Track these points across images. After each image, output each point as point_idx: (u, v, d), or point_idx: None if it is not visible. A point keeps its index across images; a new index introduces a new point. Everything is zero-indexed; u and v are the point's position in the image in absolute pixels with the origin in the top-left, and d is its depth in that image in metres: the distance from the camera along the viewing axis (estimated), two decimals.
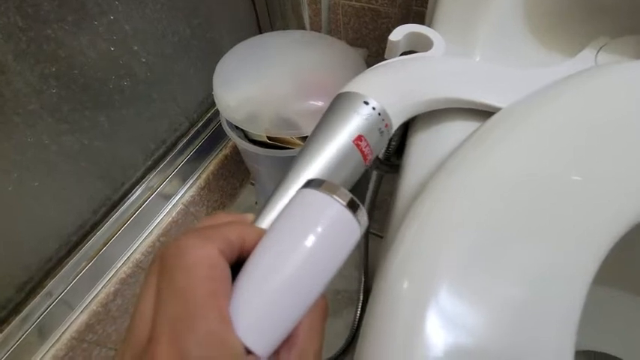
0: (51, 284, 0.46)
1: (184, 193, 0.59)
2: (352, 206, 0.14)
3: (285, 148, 0.44)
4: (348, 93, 0.21)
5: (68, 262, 0.47)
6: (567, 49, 0.27)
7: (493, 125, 0.20)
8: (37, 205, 0.42)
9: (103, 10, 0.41)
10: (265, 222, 0.17)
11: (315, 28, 0.68)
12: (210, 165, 0.63)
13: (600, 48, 0.26)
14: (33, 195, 0.41)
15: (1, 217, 0.39)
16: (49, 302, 0.46)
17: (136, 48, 0.46)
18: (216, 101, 0.45)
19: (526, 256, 0.17)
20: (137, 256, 0.53)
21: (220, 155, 0.64)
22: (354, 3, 0.61)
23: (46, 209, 0.43)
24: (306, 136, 0.41)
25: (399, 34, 0.27)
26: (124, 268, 0.52)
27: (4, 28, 0.33)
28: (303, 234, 0.13)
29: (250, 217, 0.16)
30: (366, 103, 0.21)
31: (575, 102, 0.20)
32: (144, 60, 0.47)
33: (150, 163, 0.54)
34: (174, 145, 0.57)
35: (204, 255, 0.12)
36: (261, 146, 0.45)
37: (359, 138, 0.20)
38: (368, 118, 0.20)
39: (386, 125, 0.21)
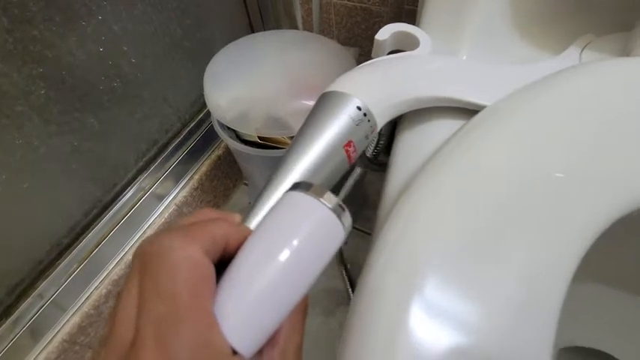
0: (42, 286, 0.45)
1: (177, 194, 0.59)
2: (338, 210, 0.14)
3: (276, 148, 0.44)
4: (335, 92, 0.21)
5: (60, 263, 0.47)
6: (553, 47, 0.28)
7: (477, 123, 0.20)
8: (27, 207, 0.42)
9: (91, 10, 0.40)
10: (253, 222, 0.17)
11: (308, 27, 0.68)
12: (203, 166, 0.63)
13: (585, 46, 0.26)
14: (23, 197, 0.41)
15: None
16: (40, 304, 0.46)
17: (125, 48, 0.46)
18: (206, 102, 0.45)
19: (508, 252, 0.17)
20: (129, 257, 0.53)
21: (213, 156, 0.64)
22: (345, 2, 0.61)
23: (36, 211, 0.43)
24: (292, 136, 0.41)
25: (385, 33, 0.27)
26: (116, 270, 0.52)
27: None
28: (289, 236, 0.13)
29: (237, 216, 0.16)
30: (359, 108, 0.20)
31: (558, 100, 0.20)
32: (134, 60, 0.47)
33: (142, 164, 0.54)
34: (166, 145, 0.56)
35: (188, 255, 0.12)
36: (253, 146, 0.45)
37: (349, 144, 0.20)
38: (359, 124, 0.20)
39: (371, 127, 0.21)
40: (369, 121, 0.21)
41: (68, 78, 0.41)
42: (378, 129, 0.22)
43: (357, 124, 0.20)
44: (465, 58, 0.27)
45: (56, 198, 0.45)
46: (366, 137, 0.21)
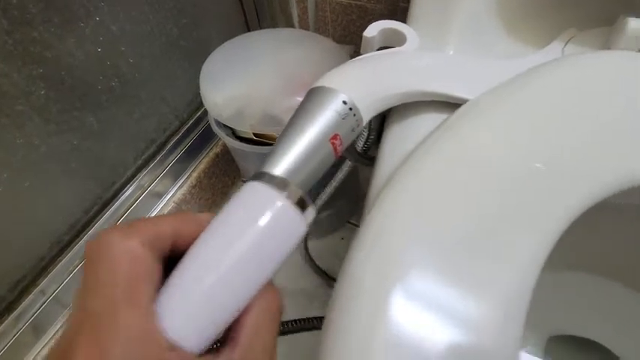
0: (44, 283, 0.46)
1: (176, 192, 0.60)
2: (300, 204, 0.13)
3: (271, 145, 0.45)
4: (322, 87, 0.22)
5: (61, 260, 0.48)
6: (539, 41, 0.28)
7: (460, 116, 0.21)
8: (28, 205, 0.43)
9: (89, 11, 0.41)
10: None
11: (304, 26, 0.68)
12: (201, 163, 0.64)
13: (568, 40, 0.27)
14: (24, 195, 0.42)
15: None
16: (42, 300, 0.47)
17: (123, 49, 0.47)
18: (203, 100, 0.46)
19: (489, 243, 0.17)
20: None
21: (211, 154, 0.65)
22: (341, 0, 0.62)
23: (37, 209, 0.44)
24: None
25: (373, 30, 0.28)
26: None
27: None
28: (242, 228, 0.13)
29: (207, 216, 0.15)
30: (345, 102, 0.21)
31: (538, 92, 0.21)
32: (131, 60, 0.48)
33: (140, 162, 0.54)
34: (164, 144, 0.57)
35: (127, 249, 0.12)
36: (249, 143, 0.45)
37: (335, 137, 0.21)
38: (345, 117, 0.21)
39: (357, 121, 0.22)
40: (354, 115, 0.21)
41: (67, 78, 0.41)
42: (365, 122, 0.23)
43: (342, 117, 0.21)
44: (451, 53, 0.28)
45: (56, 196, 0.45)
46: (352, 130, 0.22)
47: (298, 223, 0.13)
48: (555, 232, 0.17)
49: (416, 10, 0.29)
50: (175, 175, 0.60)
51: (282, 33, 0.53)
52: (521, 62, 0.25)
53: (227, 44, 0.50)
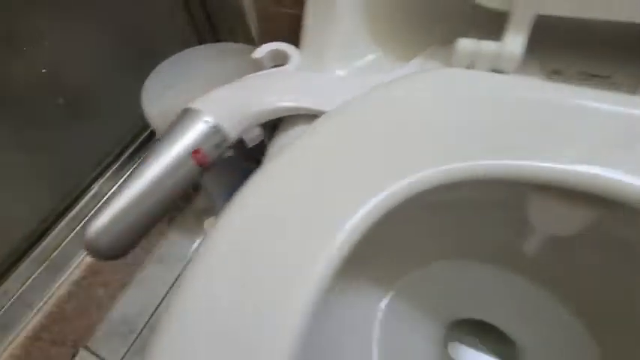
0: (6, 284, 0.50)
1: None
2: None
3: None
4: (189, 109, 0.25)
5: (20, 265, 0.51)
6: (409, 57, 0.31)
7: (311, 128, 0.24)
8: None
9: (33, 37, 0.45)
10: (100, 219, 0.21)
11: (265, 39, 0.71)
12: None
13: (430, 55, 0.30)
14: None
15: None
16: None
17: (69, 68, 0.50)
18: (144, 114, 0.49)
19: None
20: (89, 259, 0.57)
21: None
22: (287, 10, 0.65)
23: None
24: None
25: (261, 51, 0.31)
26: (76, 272, 0.56)
27: None
28: None
29: None
30: (207, 122, 0.25)
31: (368, 106, 0.24)
32: (79, 79, 0.51)
33: (95, 174, 0.58)
34: (119, 155, 0.61)
35: None
36: None
37: (197, 151, 0.24)
38: (207, 135, 0.24)
39: (223, 138, 0.25)
40: (218, 131, 0.25)
41: (17, 97, 0.45)
42: (232, 137, 0.26)
43: (205, 135, 0.24)
44: (335, 71, 0.31)
45: (10, 208, 0.49)
46: (217, 146, 0.25)
47: None
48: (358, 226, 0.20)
49: (304, 32, 0.33)
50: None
51: (227, 47, 0.57)
52: (381, 77, 0.28)
53: (172, 59, 0.53)
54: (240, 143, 0.32)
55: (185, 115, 0.25)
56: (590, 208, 0.22)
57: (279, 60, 0.32)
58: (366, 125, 0.23)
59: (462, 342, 0.39)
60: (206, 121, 0.24)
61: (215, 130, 0.25)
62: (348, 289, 0.33)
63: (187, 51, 0.55)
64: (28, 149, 0.48)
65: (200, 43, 0.71)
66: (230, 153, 0.27)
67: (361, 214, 0.19)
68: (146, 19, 0.58)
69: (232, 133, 0.26)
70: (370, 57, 0.32)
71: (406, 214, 0.23)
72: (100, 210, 0.22)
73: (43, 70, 0.47)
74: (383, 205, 0.20)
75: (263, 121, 0.27)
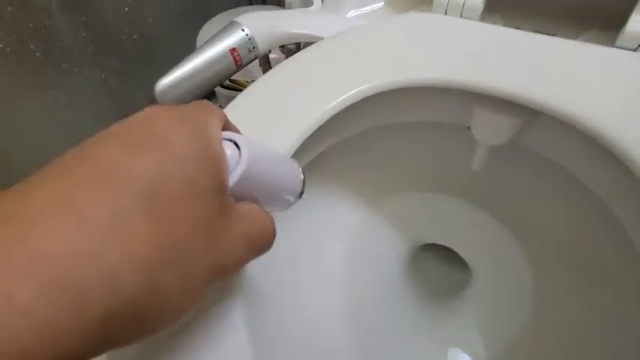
0: None
1: None
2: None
3: (241, 89, 0.58)
4: (235, 21, 0.35)
5: None
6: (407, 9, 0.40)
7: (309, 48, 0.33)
8: (64, 118, 0.59)
9: None
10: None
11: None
12: None
13: (422, 9, 0.38)
14: (63, 109, 0.58)
15: None
16: None
17: (145, 10, 0.62)
18: None
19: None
20: None
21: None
22: None
23: (69, 123, 0.60)
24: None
25: None
26: None
27: None
28: None
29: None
30: (243, 30, 0.34)
31: (347, 37, 0.32)
32: (150, 20, 0.63)
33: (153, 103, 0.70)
34: None
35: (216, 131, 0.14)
36: (226, 89, 0.59)
37: (234, 50, 0.34)
38: (242, 40, 0.34)
39: (253, 46, 0.35)
40: (250, 39, 0.34)
41: (101, 26, 0.57)
42: (261, 49, 0.35)
43: (241, 39, 0.34)
44: (346, 13, 0.40)
45: (85, 115, 0.62)
46: (249, 51, 0.35)
47: None
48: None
49: None
50: None
51: (271, 9, 0.67)
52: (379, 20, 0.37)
53: (223, 14, 0.64)
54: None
55: (231, 24, 0.35)
56: (517, 116, 0.29)
57: (305, 4, 0.41)
58: (349, 46, 0.32)
59: (423, 260, 0.47)
60: (243, 30, 0.34)
61: (249, 38, 0.34)
62: (327, 198, 0.41)
63: (237, 9, 0.65)
64: (106, 70, 0.61)
65: (250, 4, 0.82)
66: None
67: (333, 104, 0.28)
68: None
69: (261, 45, 0.35)
70: (376, 6, 0.40)
71: (373, 134, 0.31)
72: (164, 77, 0.32)
73: (126, 9, 0.59)
74: (348, 99, 0.28)
75: (284, 42, 0.37)
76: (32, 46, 0.51)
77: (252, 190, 0.14)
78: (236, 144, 0.14)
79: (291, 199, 0.17)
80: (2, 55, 0.49)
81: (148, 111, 0.13)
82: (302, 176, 0.18)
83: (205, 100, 0.16)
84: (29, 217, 0.09)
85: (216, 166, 0.12)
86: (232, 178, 0.13)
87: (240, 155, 0.14)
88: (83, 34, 0.56)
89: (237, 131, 0.16)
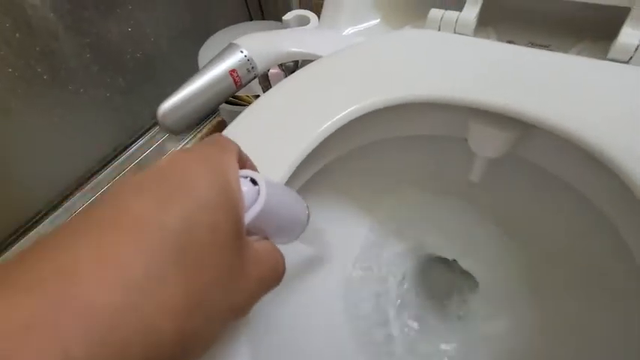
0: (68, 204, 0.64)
1: (183, 146, 0.77)
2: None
3: (242, 105, 0.59)
4: (233, 43, 0.36)
5: (74, 196, 0.65)
6: (403, 25, 0.40)
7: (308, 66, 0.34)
8: (70, 135, 0.61)
9: (125, 1, 0.58)
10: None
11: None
12: (205, 127, 0.80)
13: (416, 25, 0.39)
14: (69, 127, 0.60)
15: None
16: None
17: (147, 30, 0.64)
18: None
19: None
20: None
21: (214, 122, 0.81)
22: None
23: (75, 140, 0.62)
24: (258, 95, 0.56)
25: (290, 15, 0.42)
26: None
27: (57, 11, 0.52)
28: None
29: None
30: (242, 52, 0.35)
31: (350, 53, 0.33)
32: (152, 39, 0.65)
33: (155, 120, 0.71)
34: None
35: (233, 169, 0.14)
36: (228, 104, 0.60)
37: (233, 71, 0.35)
38: (241, 61, 0.35)
39: (252, 66, 0.36)
40: (248, 60, 0.35)
41: (105, 47, 0.59)
42: (259, 69, 0.36)
43: (240, 61, 0.35)
44: (343, 31, 0.41)
45: (91, 132, 0.63)
46: (248, 71, 0.35)
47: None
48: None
49: (324, 3, 0.43)
50: (183, 134, 0.77)
51: (271, 24, 0.68)
52: (374, 36, 0.38)
53: (225, 30, 0.66)
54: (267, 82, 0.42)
55: (229, 46, 0.36)
56: (512, 129, 0.30)
57: (302, 23, 0.42)
58: (346, 64, 0.32)
59: (428, 272, 0.47)
60: (242, 52, 0.35)
61: (247, 59, 0.35)
62: (331, 211, 0.42)
63: (237, 25, 0.67)
64: (111, 89, 0.62)
65: (251, 17, 0.84)
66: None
67: (334, 120, 0.29)
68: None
69: (260, 65, 0.36)
70: (372, 22, 0.41)
71: (373, 148, 0.32)
72: (166, 101, 0.33)
73: (129, 29, 0.61)
74: (346, 116, 0.29)
75: (282, 61, 0.37)
76: (39, 69, 0.53)
77: (266, 226, 0.15)
78: (253, 180, 0.15)
79: (299, 232, 0.18)
80: (11, 79, 0.50)
81: (172, 158, 0.13)
82: (307, 211, 0.18)
83: (219, 135, 0.16)
84: (79, 272, 0.10)
85: (236, 210, 0.13)
86: (249, 216, 0.14)
87: (258, 192, 0.14)
88: (88, 55, 0.57)
89: (249, 160, 0.17)
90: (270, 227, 0.15)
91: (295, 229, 0.18)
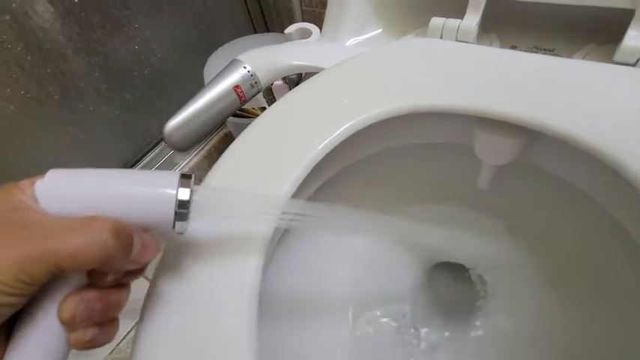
0: None
1: (190, 160, 0.78)
2: (181, 202, 0.17)
3: (249, 117, 0.60)
4: (236, 59, 0.36)
5: None
6: (403, 35, 0.40)
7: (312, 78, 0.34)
8: (82, 155, 0.62)
9: (130, 21, 0.60)
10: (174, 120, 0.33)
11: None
12: (212, 140, 0.81)
13: (418, 33, 0.39)
14: (81, 147, 0.61)
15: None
16: None
17: (154, 47, 0.65)
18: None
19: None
20: None
21: (221, 133, 0.82)
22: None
23: (88, 158, 0.63)
24: (264, 107, 0.57)
25: (291, 28, 0.42)
26: None
27: (66, 33, 0.53)
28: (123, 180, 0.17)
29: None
30: (245, 67, 0.36)
31: (354, 64, 0.33)
32: (159, 56, 0.66)
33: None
34: None
35: None
36: (235, 117, 0.61)
37: (237, 87, 0.35)
38: (245, 76, 0.35)
39: (255, 81, 0.36)
40: (251, 75, 0.36)
41: (113, 66, 0.60)
42: (263, 83, 0.37)
43: (243, 76, 0.35)
44: (345, 43, 0.41)
45: (103, 150, 0.64)
46: (252, 86, 0.36)
47: (170, 214, 0.17)
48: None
49: (326, 15, 0.43)
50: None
51: (275, 37, 0.69)
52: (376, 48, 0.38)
53: (225, 46, 0.67)
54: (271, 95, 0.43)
55: (233, 62, 0.36)
56: (518, 136, 0.29)
57: (304, 35, 0.42)
58: (348, 76, 0.32)
59: (438, 278, 0.46)
60: (245, 68, 0.35)
61: (251, 74, 0.36)
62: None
63: (242, 38, 0.67)
64: (120, 106, 0.63)
65: (255, 30, 0.85)
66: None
67: (337, 132, 0.29)
68: (212, 11, 0.72)
69: (263, 79, 0.36)
70: (374, 33, 0.41)
71: (381, 158, 0.32)
72: (171, 119, 0.34)
73: (136, 47, 0.62)
74: (352, 127, 0.29)
75: (285, 74, 0.38)
76: (50, 90, 0.54)
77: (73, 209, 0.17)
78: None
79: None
80: (25, 101, 0.52)
81: None
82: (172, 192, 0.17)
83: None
84: None
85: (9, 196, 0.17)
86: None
87: None
88: (97, 74, 0.59)
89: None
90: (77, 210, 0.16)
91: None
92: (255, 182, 0.26)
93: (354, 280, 0.40)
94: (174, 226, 0.17)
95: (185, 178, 0.18)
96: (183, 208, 0.17)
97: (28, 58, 0.50)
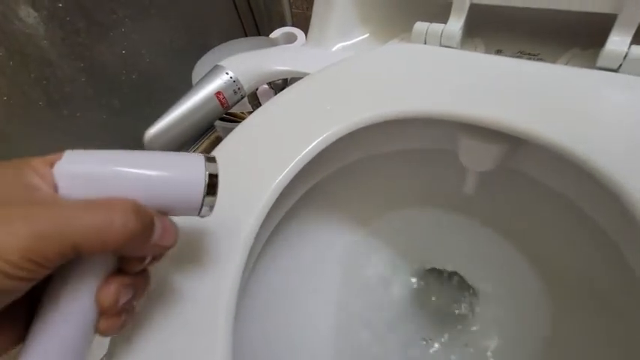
0: None
1: None
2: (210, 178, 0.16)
3: (237, 122, 0.59)
4: (219, 65, 0.36)
5: None
6: (389, 40, 0.40)
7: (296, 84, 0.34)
8: None
9: (117, 24, 0.59)
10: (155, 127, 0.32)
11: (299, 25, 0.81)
12: (204, 143, 0.80)
13: (402, 38, 0.38)
14: None
15: None
16: None
17: (142, 51, 0.64)
18: None
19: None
20: None
21: (212, 137, 0.81)
22: None
23: None
24: (251, 111, 0.56)
25: (277, 33, 0.42)
26: None
27: (50, 38, 0.52)
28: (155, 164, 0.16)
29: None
30: (227, 73, 0.35)
31: (336, 70, 0.33)
32: (148, 60, 0.65)
33: None
34: None
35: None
36: (223, 120, 0.61)
37: (219, 93, 0.35)
38: (227, 83, 0.35)
39: (238, 87, 0.35)
40: (234, 82, 0.35)
41: (100, 71, 0.59)
42: (246, 89, 0.36)
43: (225, 82, 0.35)
44: (330, 48, 0.41)
45: None
46: (235, 93, 0.35)
47: (200, 188, 0.16)
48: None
49: (312, 19, 0.43)
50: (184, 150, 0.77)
51: (265, 40, 0.68)
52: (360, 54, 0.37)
53: (216, 48, 0.66)
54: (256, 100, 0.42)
55: (215, 68, 0.35)
56: (501, 142, 0.29)
57: (290, 40, 0.42)
58: (333, 82, 0.32)
59: (428, 285, 0.46)
60: (227, 74, 0.35)
61: (233, 80, 0.35)
62: (326, 225, 0.41)
63: (231, 41, 0.67)
64: (107, 111, 0.63)
65: (245, 34, 0.84)
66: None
67: (316, 142, 0.28)
68: (202, 14, 0.71)
69: (246, 85, 0.36)
70: (361, 37, 0.41)
71: (367, 163, 0.31)
72: (152, 126, 0.33)
73: (123, 52, 0.61)
74: (335, 134, 0.29)
75: (269, 79, 0.37)
76: (34, 96, 0.53)
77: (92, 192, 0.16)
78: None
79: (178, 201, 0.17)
80: (7, 107, 0.51)
81: None
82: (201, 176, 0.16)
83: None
84: None
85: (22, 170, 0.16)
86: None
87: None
88: (83, 79, 0.58)
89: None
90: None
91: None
92: (235, 190, 0.25)
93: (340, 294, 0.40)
94: (200, 209, 0.17)
95: (210, 161, 0.17)
96: (211, 190, 0.16)
97: (10, 63, 0.49)
